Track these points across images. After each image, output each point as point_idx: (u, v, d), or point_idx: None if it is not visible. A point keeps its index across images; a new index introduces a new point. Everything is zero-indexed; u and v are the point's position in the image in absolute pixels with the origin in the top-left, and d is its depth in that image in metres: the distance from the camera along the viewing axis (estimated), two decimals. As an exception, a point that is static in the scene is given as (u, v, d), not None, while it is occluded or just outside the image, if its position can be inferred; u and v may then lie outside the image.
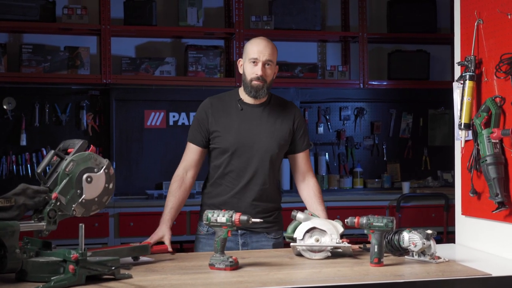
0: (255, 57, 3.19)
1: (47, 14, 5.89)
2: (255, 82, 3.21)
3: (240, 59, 3.32)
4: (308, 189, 3.34)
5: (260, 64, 3.19)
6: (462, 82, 3.00)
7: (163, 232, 3.05)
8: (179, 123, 6.28)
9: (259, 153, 3.26)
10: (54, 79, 5.95)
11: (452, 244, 3.31)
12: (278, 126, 3.30)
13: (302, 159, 3.39)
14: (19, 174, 5.98)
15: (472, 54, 3.02)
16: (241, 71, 3.30)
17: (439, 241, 5.69)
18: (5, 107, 5.98)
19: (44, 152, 6.02)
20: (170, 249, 2.95)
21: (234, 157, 3.26)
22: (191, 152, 3.30)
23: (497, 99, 2.86)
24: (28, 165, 6.02)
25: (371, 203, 6.14)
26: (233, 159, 3.27)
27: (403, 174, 6.82)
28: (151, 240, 3.03)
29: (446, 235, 5.92)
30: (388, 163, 6.87)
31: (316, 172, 6.60)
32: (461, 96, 2.99)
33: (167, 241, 2.98)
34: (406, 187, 6.37)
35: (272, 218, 3.33)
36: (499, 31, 2.90)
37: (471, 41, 3.06)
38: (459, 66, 3.11)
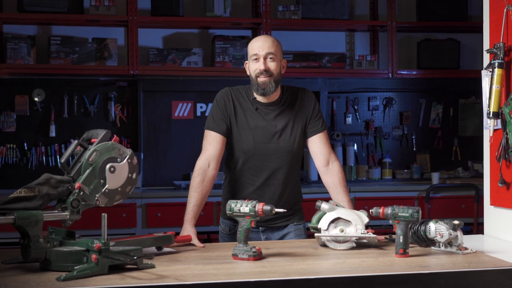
0: (255, 53, 3.15)
1: (75, 6, 5.93)
2: (260, 79, 3.15)
3: (246, 62, 3.27)
4: (332, 176, 3.24)
5: (261, 59, 3.14)
6: (491, 70, 2.94)
7: (188, 232, 3.00)
8: (207, 114, 6.27)
9: (277, 153, 3.23)
10: (82, 71, 5.99)
11: (480, 235, 3.25)
12: (294, 122, 3.25)
13: (321, 140, 3.28)
14: (48, 165, 6.04)
15: (501, 41, 2.96)
16: (248, 73, 3.25)
17: (469, 232, 5.63)
18: (35, 99, 6.06)
19: (73, 143, 6.06)
20: (200, 245, 2.92)
21: (250, 157, 3.24)
22: (214, 142, 3.21)
23: (527, 87, 2.80)
24: (57, 156, 6.08)
25: (400, 194, 6.08)
26: (250, 159, 3.24)
27: (432, 165, 6.75)
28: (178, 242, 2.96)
29: (477, 226, 5.84)
30: (418, 153, 6.80)
31: (345, 163, 6.57)
32: (489, 84, 2.94)
33: (194, 240, 2.95)
34: (435, 177, 6.30)
35: (292, 211, 3.30)
36: (528, 17, 2.84)
37: (500, 28, 3.00)
38: (488, 54, 3.05)
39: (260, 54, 3.14)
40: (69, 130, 6.13)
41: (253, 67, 3.17)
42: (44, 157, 6.06)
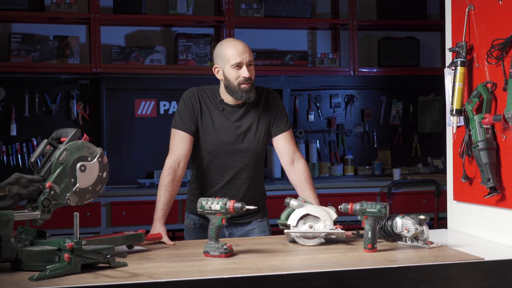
0: (238, 61, 3.13)
1: (35, 3, 5.87)
2: (244, 85, 3.15)
3: (215, 66, 3.23)
4: (298, 174, 3.28)
5: (244, 67, 3.14)
6: (453, 68, 3.01)
7: (158, 230, 3.01)
8: (170, 112, 6.28)
9: (241, 153, 3.26)
10: (44, 69, 5.92)
11: (444, 230, 3.33)
12: (258, 123, 3.28)
13: (286, 139, 3.32)
14: (9, 164, 5.96)
15: (463, 40, 3.03)
16: (220, 77, 3.23)
17: (430, 227, 5.72)
18: (-6, 97, 5.97)
19: (35, 142, 6.01)
20: (170, 243, 2.93)
21: (215, 157, 3.26)
22: (183, 141, 3.21)
23: (489, 85, 2.87)
24: (19, 155, 6.00)
25: (362, 190, 6.17)
26: (215, 158, 3.27)
27: (393, 161, 6.85)
28: (148, 240, 2.97)
29: (437, 221, 5.95)
30: (379, 150, 6.89)
31: (307, 160, 6.62)
32: (452, 82, 3.00)
33: (165, 238, 2.96)
34: (396, 173, 6.40)
35: (257, 208, 3.32)
36: (490, 17, 2.91)
37: (462, 27, 3.06)
38: (451, 52, 3.12)
39: (243, 62, 3.14)
40: (31, 128, 6.05)
41: (234, 74, 3.15)
42: (5, 156, 5.97)
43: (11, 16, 5.91)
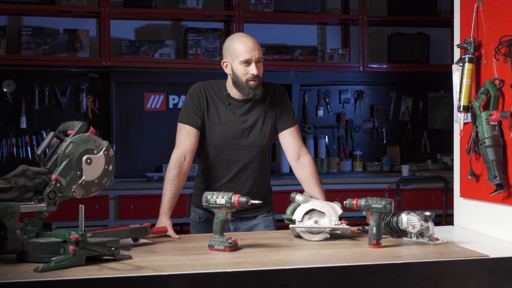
0: (247, 58, 3.12)
1: (46, -4, 5.90)
2: (252, 82, 3.15)
3: (224, 60, 3.22)
4: (304, 169, 3.28)
5: (253, 64, 3.13)
6: (461, 64, 3.00)
7: (164, 223, 3.03)
8: (179, 106, 6.29)
9: (247, 148, 3.26)
10: (54, 62, 5.94)
11: (450, 226, 3.32)
12: (265, 118, 3.28)
13: (292, 134, 3.32)
14: (19, 157, 6.00)
15: (471, 36, 3.02)
16: (228, 72, 3.22)
17: (438, 223, 5.72)
18: (4, 89, 5.99)
19: (44, 135, 6.04)
20: (176, 236, 2.94)
21: (221, 151, 3.27)
22: (189, 135, 3.22)
23: (496, 82, 2.86)
24: (28, 148, 6.03)
25: (371, 186, 6.17)
26: (221, 153, 3.27)
27: (402, 157, 6.84)
28: (154, 233, 2.97)
29: (445, 218, 5.94)
30: (388, 146, 6.88)
31: (316, 155, 6.62)
32: (460, 78, 2.99)
33: (170, 231, 2.97)
34: (405, 170, 6.39)
35: (262, 202, 3.32)
36: (498, 13, 2.89)
37: (470, 23, 3.05)
38: (459, 49, 3.10)
39: (252, 59, 3.12)
40: (40, 121, 6.08)
41: (242, 71, 3.14)
42: (14, 149, 6.01)
43: (21, 9, 5.93)
